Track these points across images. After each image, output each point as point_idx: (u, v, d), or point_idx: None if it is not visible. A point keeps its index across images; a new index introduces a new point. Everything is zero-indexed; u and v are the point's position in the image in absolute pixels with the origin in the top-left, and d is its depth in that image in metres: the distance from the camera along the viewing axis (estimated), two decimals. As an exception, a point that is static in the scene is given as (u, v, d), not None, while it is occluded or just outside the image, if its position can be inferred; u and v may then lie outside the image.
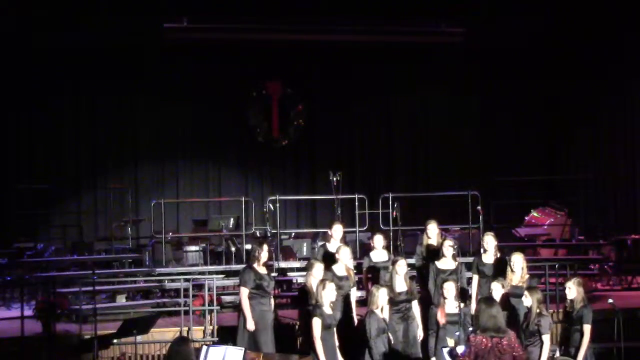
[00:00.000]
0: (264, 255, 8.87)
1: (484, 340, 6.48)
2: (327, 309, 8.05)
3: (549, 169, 17.48)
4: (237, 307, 10.92)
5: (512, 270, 8.97)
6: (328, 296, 8.03)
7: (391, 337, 8.44)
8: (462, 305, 8.70)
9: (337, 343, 8.34)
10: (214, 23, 15.38)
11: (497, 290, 8.52)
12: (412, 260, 10.01)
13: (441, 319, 8.60)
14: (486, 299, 7.17)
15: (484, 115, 17.88)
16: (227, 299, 11.69)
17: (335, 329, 8.28)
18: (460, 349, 7.51)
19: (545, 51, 16.91)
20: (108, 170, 16.60)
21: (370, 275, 9.61)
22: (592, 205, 15.75)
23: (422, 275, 9.72)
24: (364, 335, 8.20)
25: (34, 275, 11.95)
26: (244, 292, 8.69)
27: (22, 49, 15.46)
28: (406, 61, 17.28)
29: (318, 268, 8.71)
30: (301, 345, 9.34)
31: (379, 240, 9.73)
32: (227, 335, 9.67)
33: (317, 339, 7.87)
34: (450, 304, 8.62)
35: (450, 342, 8.34)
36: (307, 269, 9.02)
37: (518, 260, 8.97)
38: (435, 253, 9.59)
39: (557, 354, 8.05)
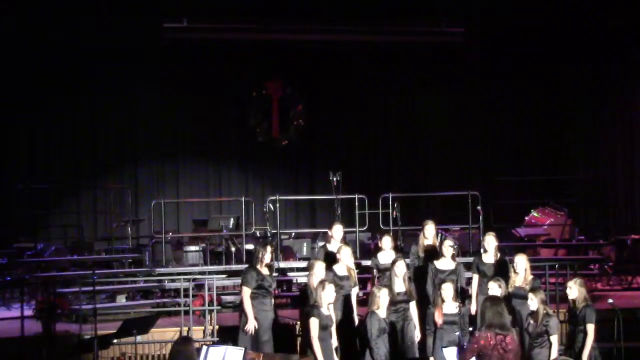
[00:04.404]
0: (267, 256, 8.88)
1: (488, 336, 6.47)
2: (325, 310, 8.06)
3: (549, 169, 17.48)
4: (237, 307, 10.98)
5: (515, 272, 8.95)
6: (327, 297, 8.04)
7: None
8: (461, 305, 8.69)
9: (336, 343, 8.36)
10: (214, 23, 15.38)
11: (494, 290, 8.47)
12: (408, 260, 9.99)
13: (438, 320, 8.60)
14: (492, 297, 7.18)
15: (484, 115, 17.87)
16: (227, 298, 11.69)
17: (334, 329, 8.30)
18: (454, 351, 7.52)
19: (545, 51, 16.90)
20: (108, 170, 16.59)
21: (378, 277, 9.60)
22: (592, 205, 15.75)
23: (417, 275, 9.71)
24: (364, 336, 8.20)
25: (34, 275, 11.94)
26: (246, 292, 8.70)
27: (22, 49, 15.45)
28: (406, 61, 17.28)
29: (320, 267, 8.71)
30: (301, 345, 9.34)
31: (387, 242, 9.69)
32: (227, 335, 9.67)
33: (315, 339, 7.88)
34: (449, 305, 8.62)
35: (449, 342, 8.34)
36: (308, 269, 9.02)
37: (521, 262, 8.95)
38: (432, 253, 9.59)
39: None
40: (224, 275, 11.62)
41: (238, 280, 11.26)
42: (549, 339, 7.84)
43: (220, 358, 7.16)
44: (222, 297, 11.71)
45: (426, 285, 9.22)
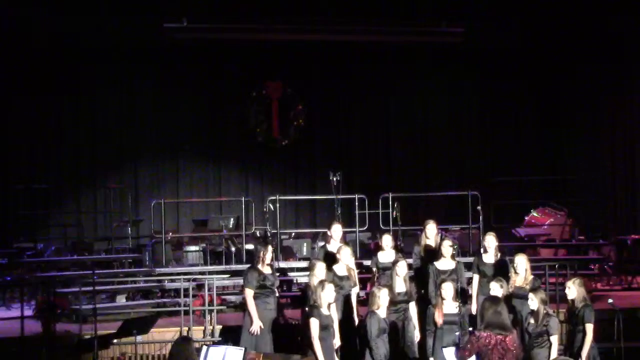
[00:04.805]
0: (268, 255, 8.88)
1: (487, 336, 6.46)
2: (325, 310, 8.06)
3: (549, 169, 17.48)
4: (239, 307, 11.00)
5: (515, 272, 8.95)
6: (326, 297, 8.05)
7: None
8: (461, 305, 8.69)
9: (339, 343, 8.36)
10: (214, 23, 15.37)
11: (496, 290, 8.47)
12: (409, 261, 10.00)
13: (438, 320, 8.60)
14: (492, 297, 7.18)
15: (483, 115, 17.87)
16: (229, 298, 11.69)
17: (335, 329, 8.30)
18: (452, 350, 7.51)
19: (545, 51, 16.90)
20: (108, 170, 16.58)
21: (378, 275, 9.59)
22: (592, 205, 15.74)
23: (419, 275, 9.70)
24: (364, 336, 8.20)
25: (34, 275, 11.95)
26: (249, 293, 8.70)
27: (22, 49, 15.45)
28: (406, 61, 17.28)
29: (320, 267, 8.70)
30: (302, 345, 9.35)
31: (387, 241, 9.67)
32: (228, 335, 9.68)
33: (315, 339, 7.89)
34: (449, 305, 8.61)
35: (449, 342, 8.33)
36: (309, 269, 9.02)
37: (522, 262, 8.95)
38: (433, 253, 9.58)
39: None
40: (224, 276, 11.62)
41: (238, 280, 11.29)
42: (549, 339, 7.83)
43: (220, 358, 7.17)
44: (225, 297, 11.72)
45: (428, 286, 9.20)
